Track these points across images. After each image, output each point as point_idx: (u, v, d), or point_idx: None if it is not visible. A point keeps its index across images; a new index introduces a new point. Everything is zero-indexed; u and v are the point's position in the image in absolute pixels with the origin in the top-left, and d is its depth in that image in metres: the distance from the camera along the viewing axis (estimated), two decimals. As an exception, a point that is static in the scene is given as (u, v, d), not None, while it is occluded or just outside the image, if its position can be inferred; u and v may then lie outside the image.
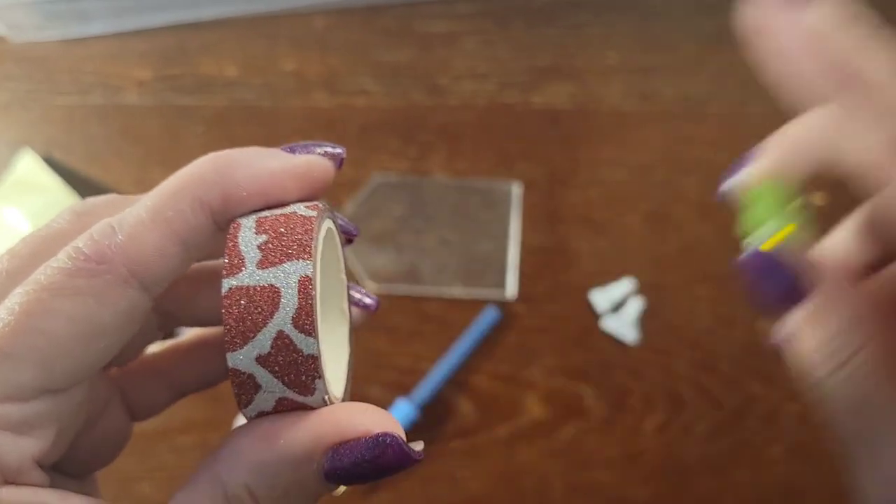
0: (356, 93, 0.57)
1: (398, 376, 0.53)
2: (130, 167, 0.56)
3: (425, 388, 0.52)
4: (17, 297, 0.18)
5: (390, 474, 0.19)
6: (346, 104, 0.57)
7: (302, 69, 0.58)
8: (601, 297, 0.53)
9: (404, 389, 0.52)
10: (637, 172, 0.55)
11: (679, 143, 0.56)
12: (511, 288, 0.54)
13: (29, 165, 0.56)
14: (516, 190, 0.55)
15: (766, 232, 0.21)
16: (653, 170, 0.55)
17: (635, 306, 0.53)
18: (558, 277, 0.54)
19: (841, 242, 0.24)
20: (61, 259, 0.19)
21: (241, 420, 0.52)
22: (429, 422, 0.52)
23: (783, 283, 0.20)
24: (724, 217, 0.55)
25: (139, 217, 0.19)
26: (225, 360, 0.26)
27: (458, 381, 0.53)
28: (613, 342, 0.53)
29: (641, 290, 0.54)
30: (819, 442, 0.52)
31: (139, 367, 0.26)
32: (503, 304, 0.54)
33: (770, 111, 0.58)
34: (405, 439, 0.19)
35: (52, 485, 0.19)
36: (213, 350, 0.26)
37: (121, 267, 0.19)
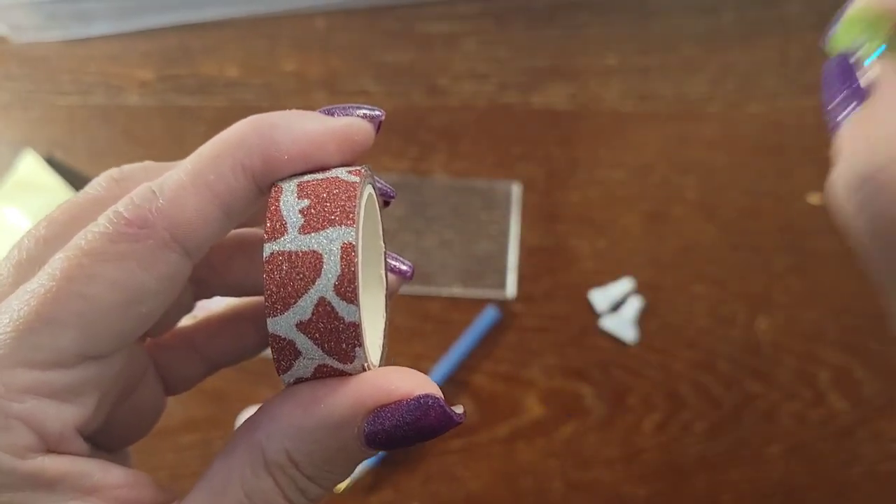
0: (357, 93, 0.58)
1: (398, 375, 0.53)
2: (132, 167, 0.57)
3: (425, 387, 0.52)
4: (57, 262, 0.18)
5: (431, 437, 0.19)
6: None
7: (303, 70, 0.58)
8: (600, 297, 0.53)
9: (404, 388, 0.52)
10: (636, 172, 0.56)
11: (678, 143, 0.56)
12: (511, 288, 0.54)
13: (30, 166, 0.56)
14: (516, 190, 0.55)
15: (852, 45, 0.22)
16: (652, 170, 0.56)
17: (634, 306, 0.53)
18: (558, 277, 0.54)
19: None
20: (102, 224, 0.18)
21: (243, 418, 0.52)
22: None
23: (848, 79, 0.20)
24: (722, 217, 0.55)
25: (180, 181, 0.19)
26: (259, 333, 0.26)
27: (458, 380, 0.53)
28: (613, 342, 0.53)
29: (640, 289, 0.54)
30: (817, 441, 0.52)
31: (173, 339, 0.25)
32: (503, 304, 0.54)
33: (769, 111, 0.59)
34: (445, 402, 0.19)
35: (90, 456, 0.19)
36: (247, 323, 0.26)
37: (163, 231, 0.18)
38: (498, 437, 0.52)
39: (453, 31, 0.58)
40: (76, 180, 0.56)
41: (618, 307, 0.54)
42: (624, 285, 0.53)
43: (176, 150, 0.58)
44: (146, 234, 0.18)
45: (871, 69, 0.20)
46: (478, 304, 0.54)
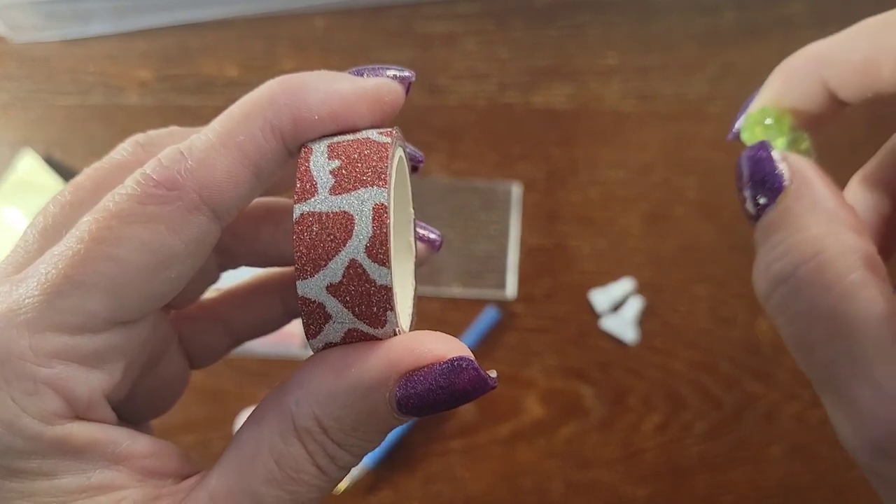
0: (356, 93, 0.58)
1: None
2: (131, 167, 0.56)
3: (425, 387, 0.52)
4: (85, 224, 0.18)
5: (464, 401, 0.18)
6: (347, 104, 0.57)
7: (302, 69, 0.58)
8: (601, 297, 0.53)
9: (404, 389, 0.52)
10: (636, 172, 0.56)
11: (678, 143, 0.56)
12: (511, 288, 0.54)
13: (30, 165, 0.56)
14: (516, 190, 0.55)
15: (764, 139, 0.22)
16: (652, 170, 0.56)
17: (635, 306, 0.53)
18: (558, 277, 0.54)
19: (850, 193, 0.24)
20: (130, 186, 0.18)
21: (243, 419, 0.52)
22: (429, 422, 0.52)
23: (761, 172, 0.20)
24: (723, 217, 0.55)
25: (209, 142, 0.18)
26: (285, 304, 0.25)
27: (457, 380, 0.53)
28: (613, 342, 0.53)
29: (641, 289, 0.54)
30: (817, 441, 0.52)
31: (197, 311, 0.25)
32: (503, 304, 0.54)
33: (769, 112, 0.58)
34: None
35: None
36: (273, 294, 0.25)
37: (192, 193, 0.18)
38: (498, 437, 0.52)
39: (453, 31, 0.58)
40: (75, 180, 0.56)
41: (618, 307, 0.54)
42: (624, 285, 0.53)
43: (175, 150, 0.58)
44: (175, 196, 0.18)
45: (782, 164, 0.20)
46: (478, 305, 0.54)
